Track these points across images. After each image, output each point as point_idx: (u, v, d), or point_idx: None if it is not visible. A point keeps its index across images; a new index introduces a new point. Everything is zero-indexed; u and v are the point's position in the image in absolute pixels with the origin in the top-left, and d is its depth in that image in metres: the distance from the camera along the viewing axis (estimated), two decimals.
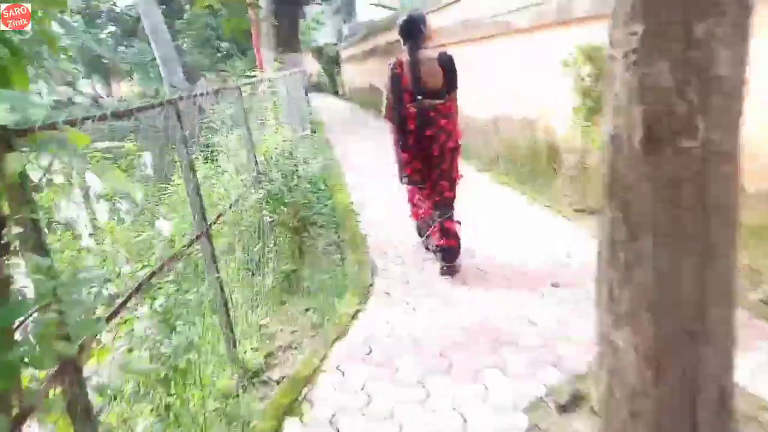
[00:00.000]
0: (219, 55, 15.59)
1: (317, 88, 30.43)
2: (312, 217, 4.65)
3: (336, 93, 26.74)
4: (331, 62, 26.20)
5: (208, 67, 15.53)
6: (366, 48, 18.61)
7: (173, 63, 8.52)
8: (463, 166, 4.64)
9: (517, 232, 4.92)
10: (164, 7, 15.72)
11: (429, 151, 4.02)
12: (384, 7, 20.72)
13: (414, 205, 4.50)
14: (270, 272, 4.04)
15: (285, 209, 4.26)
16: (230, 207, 3.91)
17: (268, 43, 11.77)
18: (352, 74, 22.84)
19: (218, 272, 2.91)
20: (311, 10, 28.80)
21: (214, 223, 3.28)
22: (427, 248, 4.50)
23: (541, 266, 4.13)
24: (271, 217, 4.18)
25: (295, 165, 4.71)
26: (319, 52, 27.38)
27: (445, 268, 4.09)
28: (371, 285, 4.03)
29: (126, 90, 32.87)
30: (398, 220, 5.11)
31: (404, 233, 4.88)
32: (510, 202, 5.87)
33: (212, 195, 4.43)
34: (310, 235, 4.74)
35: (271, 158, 4.67)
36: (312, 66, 30.02)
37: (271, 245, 4.23)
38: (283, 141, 5.25)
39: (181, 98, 2.89)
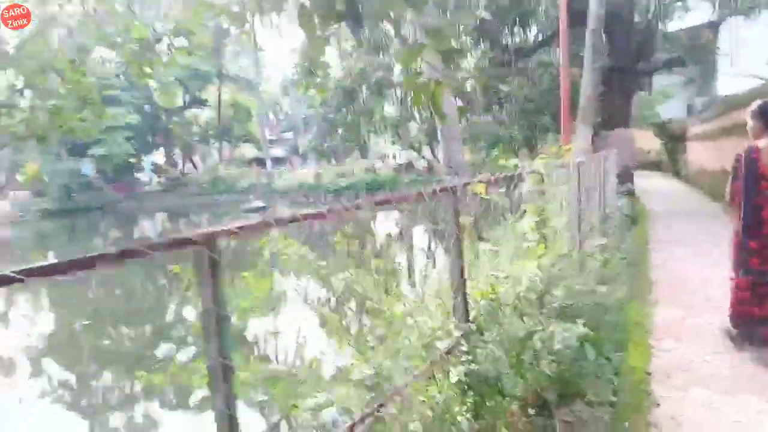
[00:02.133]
0: (536, 129, 14.36)
1: (655, 166, 26.74)
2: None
3: (677, 174, 22.81)
4: (675, 139, 22.52)
5: (522, 141, 14.40)
6: (723, 124, 15.08)
7: (454, 141, 7.52)
8: None
9: None
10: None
11: None
12: (756, 77, 16.68)
13: (746, 300, 4.11)
14: None
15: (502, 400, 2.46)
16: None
17: (583, 117, 9.95)
18: (700, 154, 18.98)
19: None
20: (658, 81, 25.63)
21: None
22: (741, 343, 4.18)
23: None
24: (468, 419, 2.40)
25: (540, 317, 2.87)
26: (661, 128, 23.94)
27: None
28: None
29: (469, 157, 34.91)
30: None
31: None
32: None
33: None
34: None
35: (497, 302, 2.92)
36: (650, 143, 26.58)
37: None
38: (539, 265, 3.43)
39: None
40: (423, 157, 38.66)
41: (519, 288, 3.09)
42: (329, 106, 33.09)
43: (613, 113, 11.68)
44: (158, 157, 47.00)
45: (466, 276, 2.82)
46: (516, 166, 4.17)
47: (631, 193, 11.39)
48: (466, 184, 3.08)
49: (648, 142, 26.97)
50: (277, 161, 49.57)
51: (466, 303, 2.77)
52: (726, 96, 16.10)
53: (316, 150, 42.87)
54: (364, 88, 30.24)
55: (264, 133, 47.21)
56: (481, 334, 2.71)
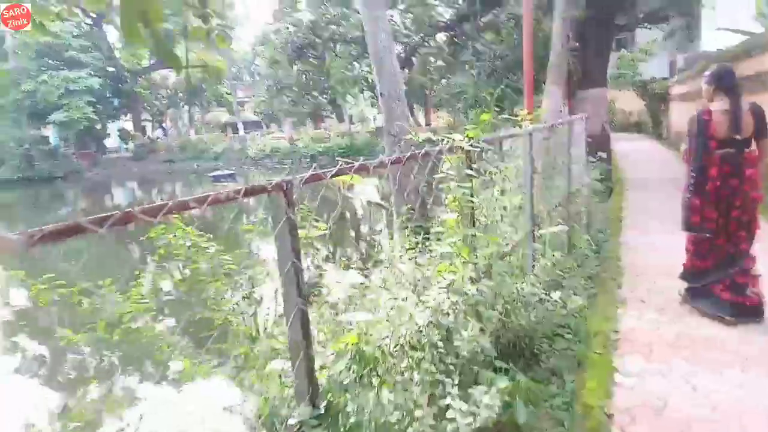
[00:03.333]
0: (508, 89, 13.17)
1: (637, 128, 25.80)
2: None
3: (659, 136, 21.90)
4: (657, 100, 21.48)
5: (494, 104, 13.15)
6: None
7: (397, 102, 6.36)
8: None
9: None
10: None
11: (730, 200, 4.03)
12: (738, 32, 15.56)
13: (692, 253, 4.35)
14: None
15: None
16: None
17: (554, 76, 8.85)
18: (683, 116, 17.96)
19: None
20: (641, 39, 24.40)
21: None
22: (689, 303, 4.40)
23: None
24: None
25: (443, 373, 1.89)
26: (643, 88, 22.86)
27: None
28: None
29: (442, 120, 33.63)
30: None
31: None
32: None
33: None
34: None
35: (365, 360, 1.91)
36: (633, 104, 25.57)
37: None
38: (453, 286, 2.42)
39: None
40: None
41: (408, 330, 2.09)
42: (277, 63, 30.70)
43: (589, 72, 10.55)
44: (125, 123, 45.03)
45: (312, 328, 1.82)
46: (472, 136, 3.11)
47: (607, 161, 10.39)
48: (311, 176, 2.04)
49: (630, 103, 25.96)
50: (253, 125, 47.88)
51: (311, 372, 1.77)
52: (710, 52, 15.03)
53: (266, 113, 40.90)
54: (318, 43, 28.04)
55: (235, 96, 45.41)
56: (335, 422, 1.72)
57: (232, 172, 30.80)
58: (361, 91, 48.56)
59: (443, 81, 26.08)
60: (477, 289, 2.75)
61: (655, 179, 11.57)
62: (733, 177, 3.98)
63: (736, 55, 10.75)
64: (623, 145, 18.80)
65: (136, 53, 40.93)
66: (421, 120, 41.93)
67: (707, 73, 4.18)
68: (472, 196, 2.95)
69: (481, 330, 2.68)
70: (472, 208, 2.99)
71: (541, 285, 3.78)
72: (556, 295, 3.62)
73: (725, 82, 4.04)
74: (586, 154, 6.81)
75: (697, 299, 4.36)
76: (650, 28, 16.17)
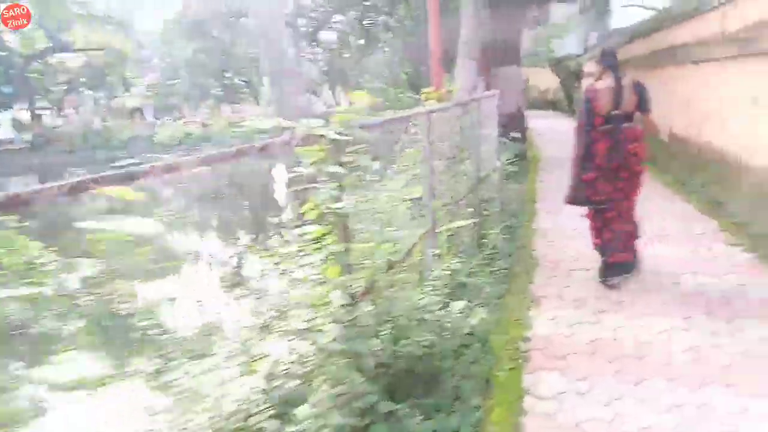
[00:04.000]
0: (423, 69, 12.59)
1: (552, 106, 26.09)
2: None
3: (573, 113, 22.15)
4: (570, 77, 21.67)
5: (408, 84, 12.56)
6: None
7: (290, 81, 5.53)
8: None
9: None
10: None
11: (617, 173, 4.23)
12: (645, 7, 15.71)
13: (596, 230, 4.51)
14: None
15: None
16: None
17: (466, 52, 8.33)
18: None
19: None
20: (557, 16, 24.55)
21: None
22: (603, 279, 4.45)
23: None
24: None
25: None
26: (557, 65, 23.01)
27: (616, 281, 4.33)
28: None
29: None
30: None
31: None
32: None
33: None
34: None
35: None
36: (549, 82, 25.83)
37: None
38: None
39: None
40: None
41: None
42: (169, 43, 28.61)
43: (503, 48, 10.13)
44: (21, 112, 41.36)
45: None
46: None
47: (522, 140, 10.06)
48: None
49: (546, 80, 26.18)
50: (165, 111, 45.24)
51: None
52: (621, 28, 15.09)
53: (177, 98, 38.79)
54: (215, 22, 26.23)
55: (144, 80, 42.67)
56: None
57: (136, 161, 28.81)
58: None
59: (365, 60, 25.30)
60: (353, 319, 2.11)
61: (569, 158, 11.40)
62: (617, 151, 4.18)
63: (642, 31, 10.69)
64: (539, 123, 18.81)
65: (30, 36, 37.46)
66: (345, 102, 41.04)
67: (594, 53, 4.36)
68: (338, 200, 2.28)
69: (358, 371, 2.06)
70: (341, 215, 2.32)
71: (441, 294, 3.20)
72: (458, 305, 3.05)
73: (607, 61, 4.29)
74: (498, 135, 6.32)
75: (607, 273, 4.50)
76: (565, 1, 16.03)
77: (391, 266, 2.87)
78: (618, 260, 4.37)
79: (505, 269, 4.86)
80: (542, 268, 4.96)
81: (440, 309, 3.05)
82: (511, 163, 8.49)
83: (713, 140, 7.08)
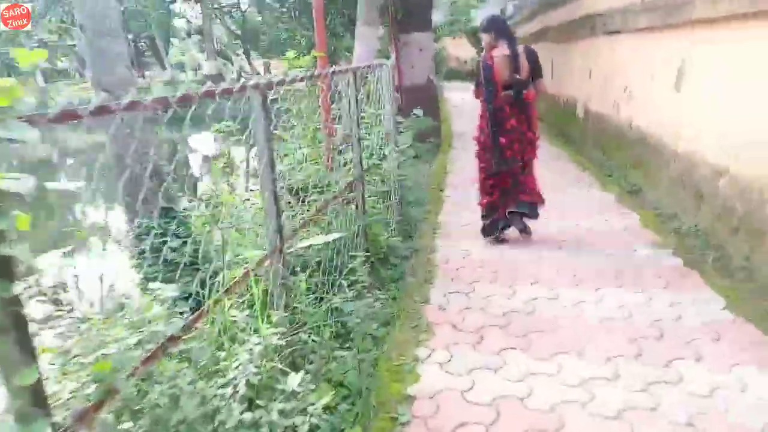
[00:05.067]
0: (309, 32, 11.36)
1: (471, 77, 25.49)
2: None
3: None
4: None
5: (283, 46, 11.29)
6: (533, 30, 13.55)
7: (112, 48, 4.39)
8: None
9: None
10: None
11: (522, 134, 4.39)
12: None
13: (486, 193, 4.63)
14: None
15: None
16: None
17: (366, 16, 7.25)
18: None
19: None
20: None
21: None
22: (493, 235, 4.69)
23: None
24: None
25: None
26: (476, 36, 22.30)
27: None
28: None
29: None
30: None
31: None
32: None
33: None
34: None
35: None
36: (468, 52, 25.20)
37: None
38: None
39: None
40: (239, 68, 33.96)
41: None
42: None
43: (411, 12, 9.09)
44: None
45: None
46: None
47: (434, 115, 9.15)
48: None
49: (464, 50, 25.52)
50: (60, 74, 41.14)
51: None
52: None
53: (75, 60, 35.32)
54: None
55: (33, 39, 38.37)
56: None
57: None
58: (188, 35, 43.67)
59: (280, 25, 23.48)
60: None
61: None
62: (518, 114, 4.36)
63: (561, 1, 10.01)
64: (455, 95, 18.12)
65: None
66: (261, 69, 38.76)
67: (480, 24, 4.50)
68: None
69: None
70: None
71: (275, 361, 2.19)
72: (294, 380, 2.05)
73: (503, 29, 4.37)
74: (394, 113, 5.28)
75: (490, 231, 4.73)
76: None
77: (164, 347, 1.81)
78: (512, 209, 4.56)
79: (395, 281, 3.93)
80: (441, 280, 4.04)
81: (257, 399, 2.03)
82: (419, 144, 7.57)
83: (634, 119, 6.43)
